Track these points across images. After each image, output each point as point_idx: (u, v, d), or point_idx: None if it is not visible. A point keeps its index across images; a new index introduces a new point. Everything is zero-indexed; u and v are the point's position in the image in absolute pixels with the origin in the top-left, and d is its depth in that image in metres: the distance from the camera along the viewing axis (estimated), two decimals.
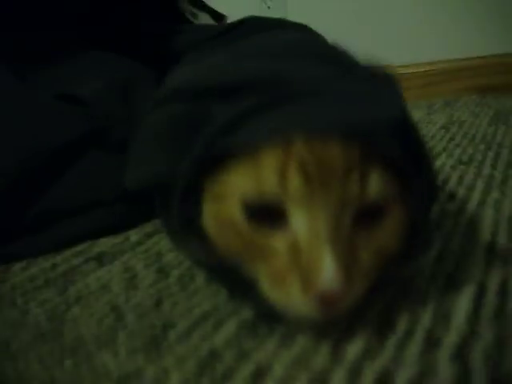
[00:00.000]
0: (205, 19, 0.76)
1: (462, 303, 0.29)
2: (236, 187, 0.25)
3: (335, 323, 0.27)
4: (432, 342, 0.26)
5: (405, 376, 0.24)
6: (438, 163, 0.60)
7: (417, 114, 0.95)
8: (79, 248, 0.46)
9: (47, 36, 0.55)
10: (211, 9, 0.77)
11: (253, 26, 0.51)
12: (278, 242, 0.25)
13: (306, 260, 0.24)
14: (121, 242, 0.47)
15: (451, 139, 0.72)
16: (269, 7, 1.29)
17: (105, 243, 0.47)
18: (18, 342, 0.31)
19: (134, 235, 0.48)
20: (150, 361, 0.27)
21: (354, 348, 0.26)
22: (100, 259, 0.43)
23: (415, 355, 0.25)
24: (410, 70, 1.14)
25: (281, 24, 0.50)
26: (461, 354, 0.25)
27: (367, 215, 0.25)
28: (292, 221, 0.25)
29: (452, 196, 0.47)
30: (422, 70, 1.14)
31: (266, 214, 0.25)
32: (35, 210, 0.48)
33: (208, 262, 0.30)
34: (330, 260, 0.23)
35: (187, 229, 0.29)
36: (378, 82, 0.28)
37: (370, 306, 0.29)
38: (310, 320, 0.25)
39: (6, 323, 0.34)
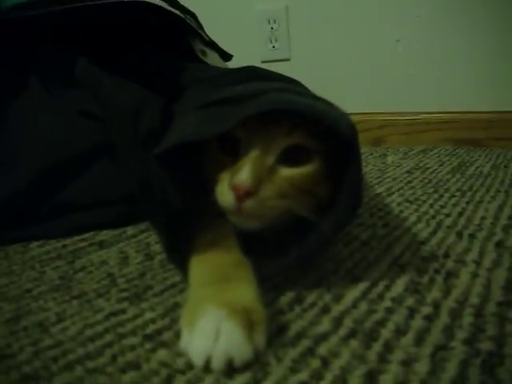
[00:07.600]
0: (214, 57, 0.87)
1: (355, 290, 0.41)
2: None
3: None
4: (325, 309, 0.38)
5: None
6: (388, 200, 0.72)
7: (391, 158, 1.08)
8: (85, 235, 0.58)
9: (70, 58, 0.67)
10: (220, 48, 0.89)
11: (248, 74, 0.61)
12: (230, 162, 0.41)
13: (236, 170, 0.39)
14: (119, 233, 0.59)
15: (409, 182, 0.84)
16: (274, 46, 1.43)
17: (106, 234, 0.59)
18: (38, 290, 0.43)
19: (130, 230, 0.60)
20: (132, 305, 0.39)
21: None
22: (101, 244, 0.55)
23: (311, 316, 0.37)
24: (396, 118, 1.26)
25: (273, 77, 0.60)
26: (341, 318, 0.36)
27: (294, 158, 0.41)
28: (241, 151, 0.41)
29: (386, 224, 0.59)
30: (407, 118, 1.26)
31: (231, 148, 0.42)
32: (52, 202, 0.60)
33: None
34: (247, 169, 0.39)
35: None
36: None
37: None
38: (231, 208, 0.39)
39: (27, 279, 0.46)
